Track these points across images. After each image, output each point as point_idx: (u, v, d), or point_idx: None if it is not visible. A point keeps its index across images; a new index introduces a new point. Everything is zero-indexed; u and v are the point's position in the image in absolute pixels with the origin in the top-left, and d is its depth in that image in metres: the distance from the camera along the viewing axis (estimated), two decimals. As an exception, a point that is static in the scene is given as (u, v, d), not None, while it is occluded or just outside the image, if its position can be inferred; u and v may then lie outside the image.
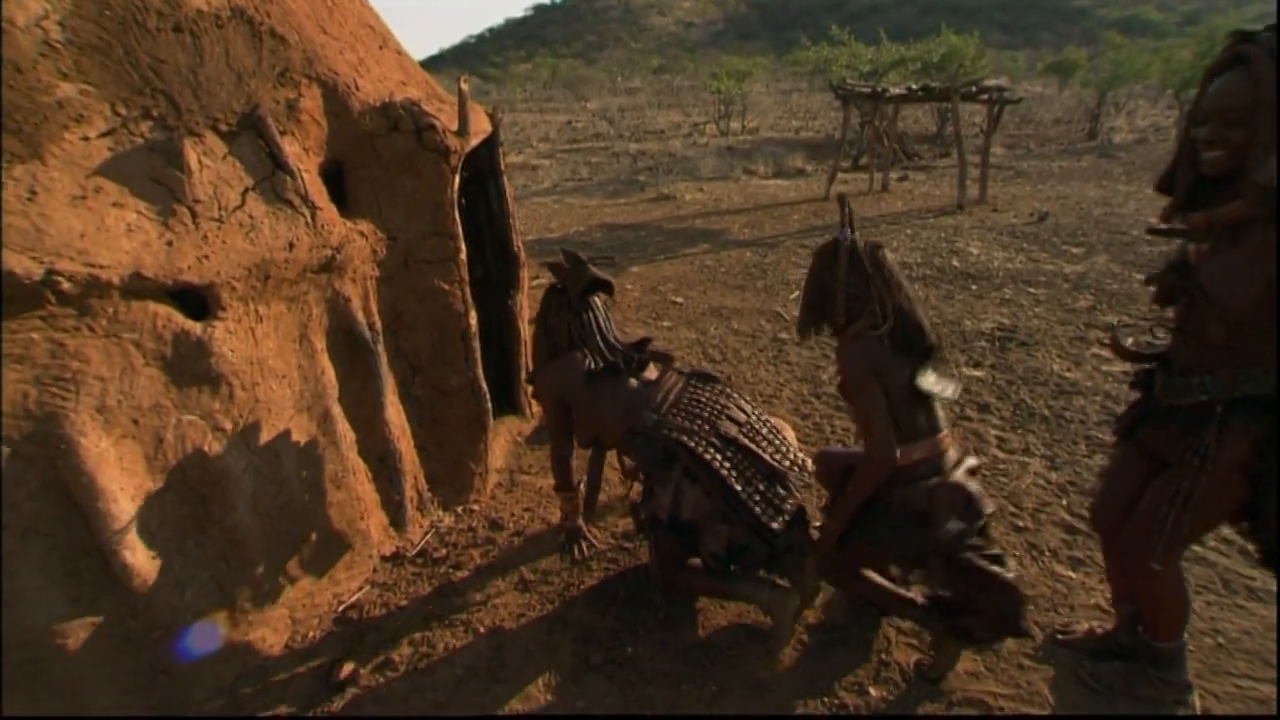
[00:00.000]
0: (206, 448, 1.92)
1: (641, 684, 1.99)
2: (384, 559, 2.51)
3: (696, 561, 2.15)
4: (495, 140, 3.23)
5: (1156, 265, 1.76)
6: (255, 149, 2.10)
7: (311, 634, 2.21)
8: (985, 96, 9.34)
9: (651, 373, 2.29)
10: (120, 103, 1.74)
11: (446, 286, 2.64)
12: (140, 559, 1.77)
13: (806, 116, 21.82)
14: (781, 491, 2.03)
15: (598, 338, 2.27)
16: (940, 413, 1.89)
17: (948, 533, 1.77)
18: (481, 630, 2.22)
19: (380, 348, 2.46)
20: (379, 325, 2.48)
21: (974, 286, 5.64)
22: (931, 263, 6.32)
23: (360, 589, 2.38)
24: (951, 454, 1.88)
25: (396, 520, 2.56)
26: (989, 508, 1.85)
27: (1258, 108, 1.43)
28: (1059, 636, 2.10)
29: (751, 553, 2.01)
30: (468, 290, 2.72)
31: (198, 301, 1.92)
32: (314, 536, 2.24)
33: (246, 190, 2.05)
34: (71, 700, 1.76)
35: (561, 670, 2.05)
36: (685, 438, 2.02)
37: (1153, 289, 1.75)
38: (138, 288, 1.72)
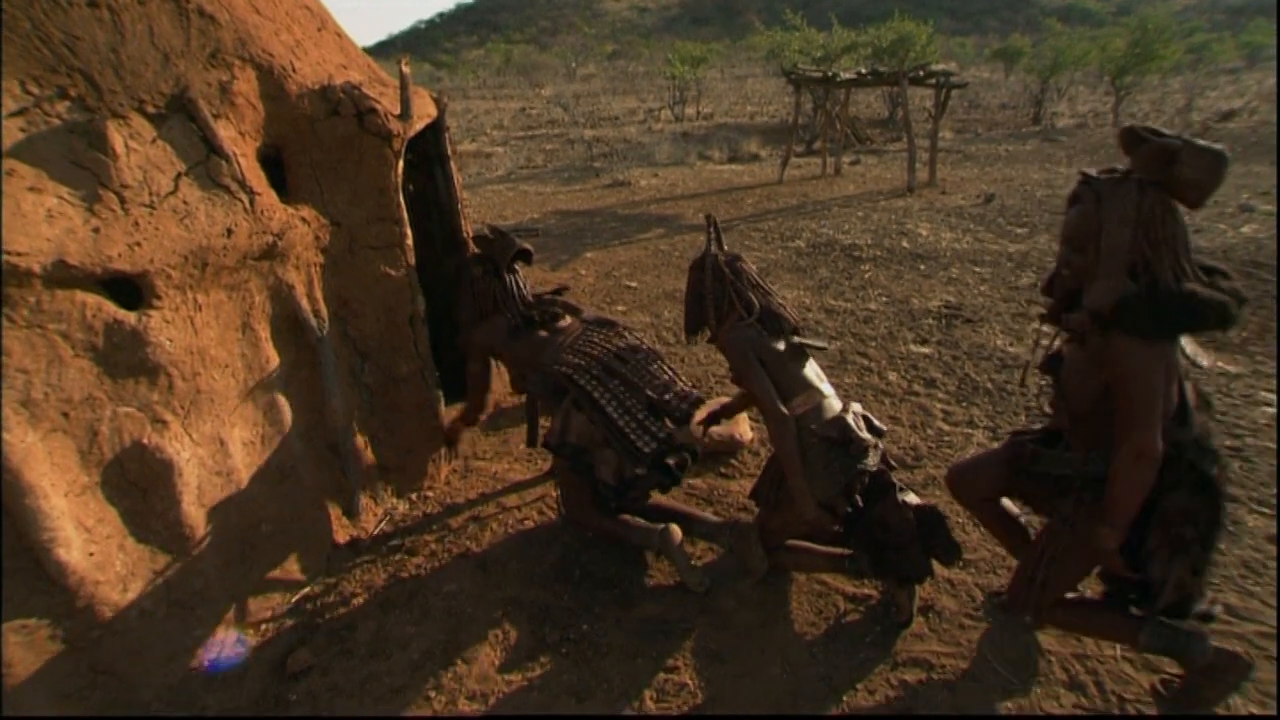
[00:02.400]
0: (145, 440, 1.87)
1: (597, 659, 2.02)
2: (337, 547, 2.48)
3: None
4: (441, 125, 3.18)
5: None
6: (187, 132, 2.03)
7: (264, 626, 2.17)
8: (933, 81, 9.54)
9: (565, 322, 2.65)
10: (31, 80, 1.66)
11: (393, 273, 2.60)
12: (75, 556, 1.71)
13: (761, 102, 21.93)
14: (658, 421, 2.30)
15: (517, 299, 2.65)
16: (817, 368, 2.20)
17: (862, 443, 2.01)
18: (437, 614, 2.22)
19: (327, 335, 2.41)
20: (325, 312, 2.43)
21: (922, 266, 5.79)
22: (882, 244, 6.46)
23: (314, 578, 2.35)
24: (835, 398, 2.14)
25: (349, 508, 2.53)
26: (884, 426, 2.17)
27: (1090, 239, 1.65)
28: (996, 599, 2.20)
29: (641, 484, 2.32)
30: (415, 276, 2.68)
31: (132, 291, 1.85)
32: (264, 527, 2.20)
33: (179, 175, 1.98)
34: (8, 707, 1.70)
35: (518, 649, 2.07)
36: (573, 373, 2.31)
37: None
38: (62, 276, 1.65)
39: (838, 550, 2.21)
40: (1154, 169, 1.56)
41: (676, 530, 2.28)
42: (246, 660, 2.04)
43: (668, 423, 2.32)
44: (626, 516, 2.39)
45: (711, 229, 2.33)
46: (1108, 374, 1.67)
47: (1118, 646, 1.99)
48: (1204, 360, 1.82)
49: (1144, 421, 1.60)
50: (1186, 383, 1.70)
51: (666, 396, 2.34)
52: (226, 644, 2.03)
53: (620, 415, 2.25)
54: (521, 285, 2.69)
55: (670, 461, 2.35)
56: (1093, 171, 1.69)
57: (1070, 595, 1.87)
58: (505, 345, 2.59)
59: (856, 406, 2.15)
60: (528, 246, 2.73)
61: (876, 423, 2.13)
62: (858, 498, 2.02)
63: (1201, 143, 1.51)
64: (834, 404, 2.11)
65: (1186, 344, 1.80)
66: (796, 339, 2.18)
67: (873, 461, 2.02)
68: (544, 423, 2.64)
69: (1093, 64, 17.27)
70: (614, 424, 2.23)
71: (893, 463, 2.21)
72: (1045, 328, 1.91)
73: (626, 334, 2.56)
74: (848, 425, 2.03)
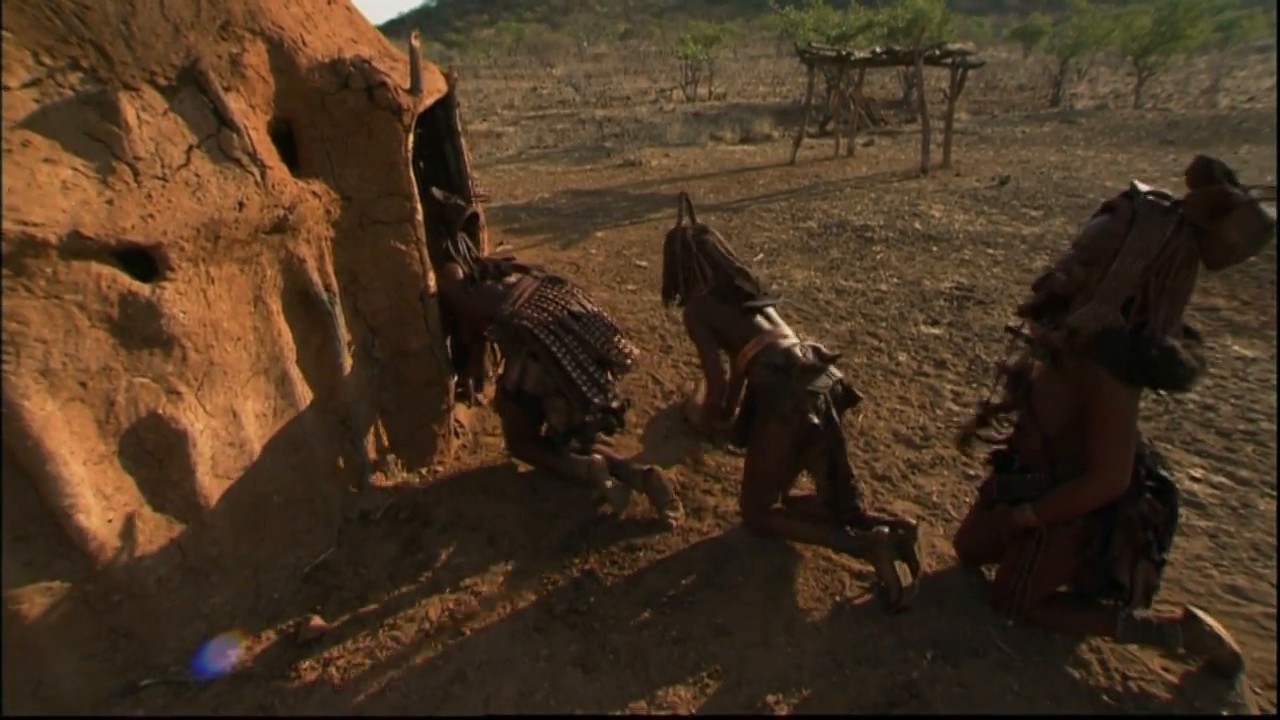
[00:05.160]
0: (160, 410, 1.89)
1: (604, 631, 2.05)
2: (349, 520, 2.51)
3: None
4: (451, 100, 3.17)
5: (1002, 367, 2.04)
6: (198, 105, 2.03)
7: (277, 595, 2.21)
8: (949, 61, 9.38)
9: (514, 278, 2.86)
10: (44, 51, 1.66)
11: (403, 247, 2.61)
12: (95, 522, 1.75)
13: (774, 82, 21.66)
14: (606, 374, 2.56)
15: (467, 254, 2.97)
16: (774, 316, 2.46)
17: (807, 365, 2.23)
18: (446, 586, 2.25)
19: (338, 309, 2.43)
20: (335, 287, 2.45)
21: (934, 248, 5.73)
22: (894, 225, 6.40)
23: (325, 550, 2.39)
24: (789, 337, 2.35)
25: (360, 482, 2.56)
26: (833, 352, 2.35)
27: (1104, 257, 1.60)
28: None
29: (588, 428, 2.55)
30: (425, 251, 2.69)
31: (145, 262, 1.87)
32: (276, 498, 2.24)
33: (191, 148, 1.99)
34: (33, 665, 1.75)
35: (526, 620, 2.10)
36: (533, 326, 2.52)
37: (1001, 384, 2.01)
38: (78, 247, 1.67)
39: (822, 521, 2.28)
40: (1203, 213, 1.47)
41: (600, 460, 2.52)
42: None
43: (611, 374, 2.60)
44: (572, 454, 2.61)
45: (684, 203, 2.66)
46: (1090, 404, 1.65)
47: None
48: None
49: (1120, 459, 1.62)
50: None
51: (613, 352, 2.58)
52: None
53: (574, 368, 2.47)
54: (470, 246, 3.03)
55: (614, 405, 2.59)
56: (1144, 186, 1.59)
57: (1049, 595, 1.95)
58: (460, 294, 2.82)
59: (809, 341, 2.38)
60: (477, 211, 3.10)
61: (825, 351, 2.33)
62: (813, 417, 2.16)
63: (1265, 208, 1.41)
64: (784, 342, 2.32)
65: None
66: (750, 304, 2.43)
67: (822, 384, 2.22)
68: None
69: (1115, 44, 16.90)
70: (568, 376, 2.46)
71: (857, 393, 2.37)
72: (1019, 337, 1.89)
73: (578, 291, 2.78)
74: (792, 353, 2.26)
